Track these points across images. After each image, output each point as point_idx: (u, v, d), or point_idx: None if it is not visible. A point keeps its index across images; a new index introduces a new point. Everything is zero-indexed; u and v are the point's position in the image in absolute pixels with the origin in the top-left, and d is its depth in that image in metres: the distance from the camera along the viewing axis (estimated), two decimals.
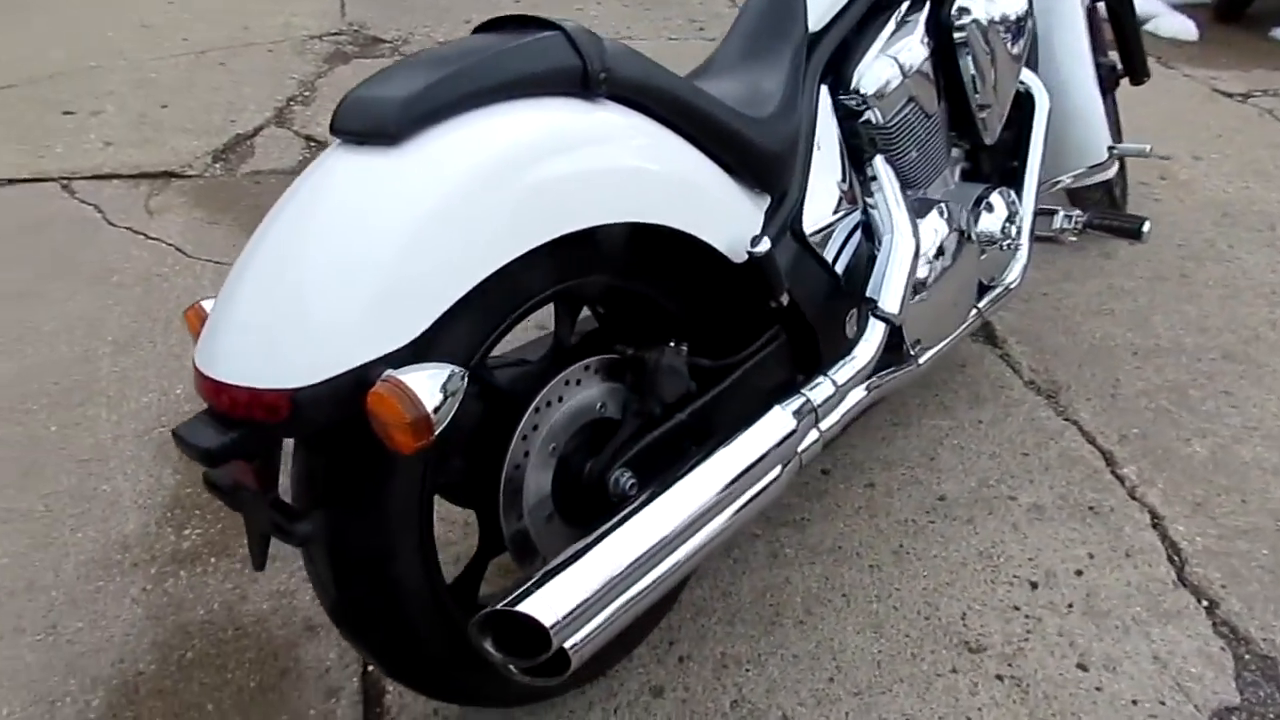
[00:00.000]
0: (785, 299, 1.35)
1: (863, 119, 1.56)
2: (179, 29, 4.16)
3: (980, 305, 1.81)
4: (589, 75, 1.12)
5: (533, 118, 1.08)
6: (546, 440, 1.22)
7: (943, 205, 1.60)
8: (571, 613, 1.05)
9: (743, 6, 1.56)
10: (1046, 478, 1.82)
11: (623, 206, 1.14)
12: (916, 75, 1.57)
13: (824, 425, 1.44)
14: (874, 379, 1.57)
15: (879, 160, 1.54)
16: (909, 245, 1.49)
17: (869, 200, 1.54)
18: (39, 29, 4.13)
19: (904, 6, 1.61)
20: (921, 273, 1.56)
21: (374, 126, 1.01)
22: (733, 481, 1.23)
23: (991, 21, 1.64)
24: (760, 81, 1.44)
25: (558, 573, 1.08)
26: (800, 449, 1.39)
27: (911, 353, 1.62)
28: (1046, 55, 2.04)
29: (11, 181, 2.87)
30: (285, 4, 4.49)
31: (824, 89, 1.52)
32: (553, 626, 1.03)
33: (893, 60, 1.55)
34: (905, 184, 1.66)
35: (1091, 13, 2.21)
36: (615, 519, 1.15)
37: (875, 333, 1.46)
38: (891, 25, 1.58)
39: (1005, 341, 2.20)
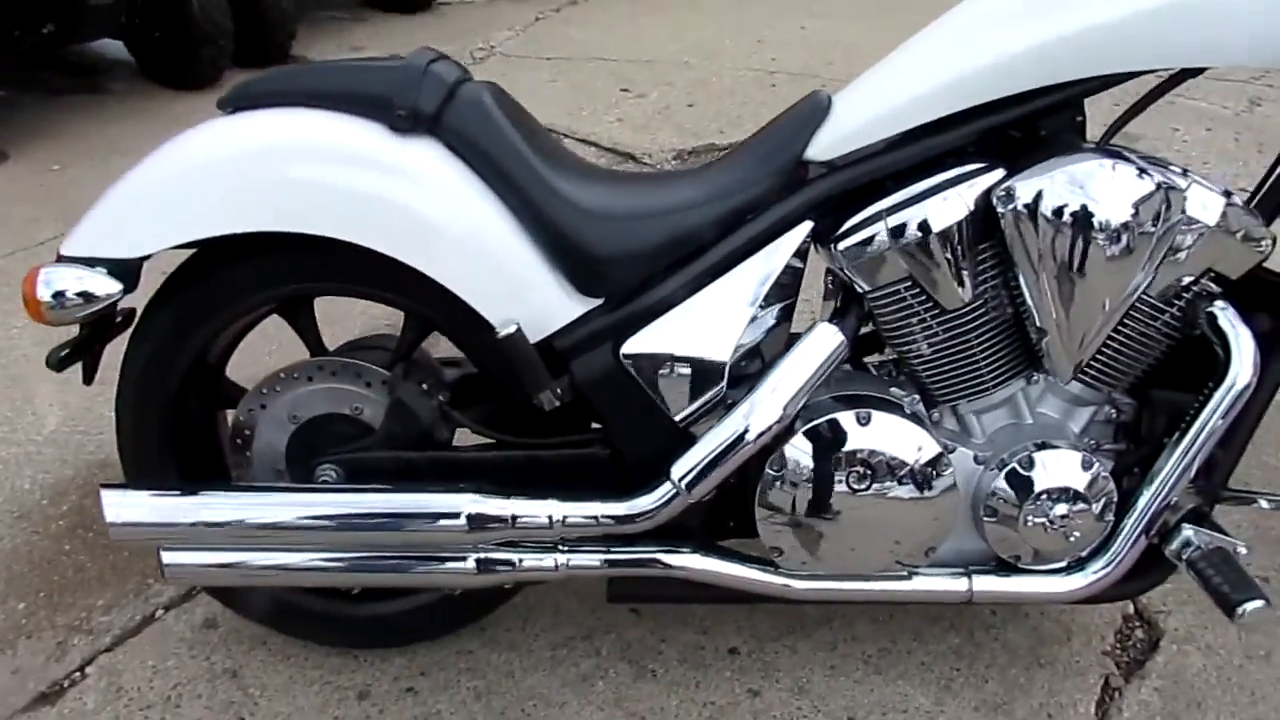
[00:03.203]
0: (549, 402, 1.25)
1: (844, 280, 1.29)
2: (780, 49, 4.60)
3: (977, 583, 1.34)
4: (392, 109, 1.21)
5: (306, 125, 1.23)
6: (288, 407, 1.36)
7: (863, 414, 1.23)
8: (142, 523, 1.24)
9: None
10: None
11: (359, 231, 1.21)
12: (919, 252, 1.22)
13: (574, 560, 1.31)
14: (729, 567, 1.33)
15: (821, 329, 1.26)
16: (753, 423, 1.21)
17: (759, 362, 1.28)
18: (680, 25, 4.93)
19: (967, 168, 1.24)
20: (797, 477, 1.25)
21: (223, 100, 1.28)
22: (367, 526, 1.25)
23: (1061, 217, 1.16)
24: (688, 187, 1.30)
25: (167, 492, 1.26)
26: (523, 563, 1.31)
27: (774, 559, 1.31)
28: None
29: None
30: None
31: (803, 227, 1.29)
32: (111, 522, 1.23)
33: (882, 224, 1.23)
34: (919, 388, 1.33)
35: None
36: (254, 488, 1.28)
37: (658, 493, 1.24)
38: (926, 185, 1.24)
39: (1145, 676, 1.53)
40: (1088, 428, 1.37)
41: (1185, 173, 1.24)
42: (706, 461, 1.23)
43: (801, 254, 1.30)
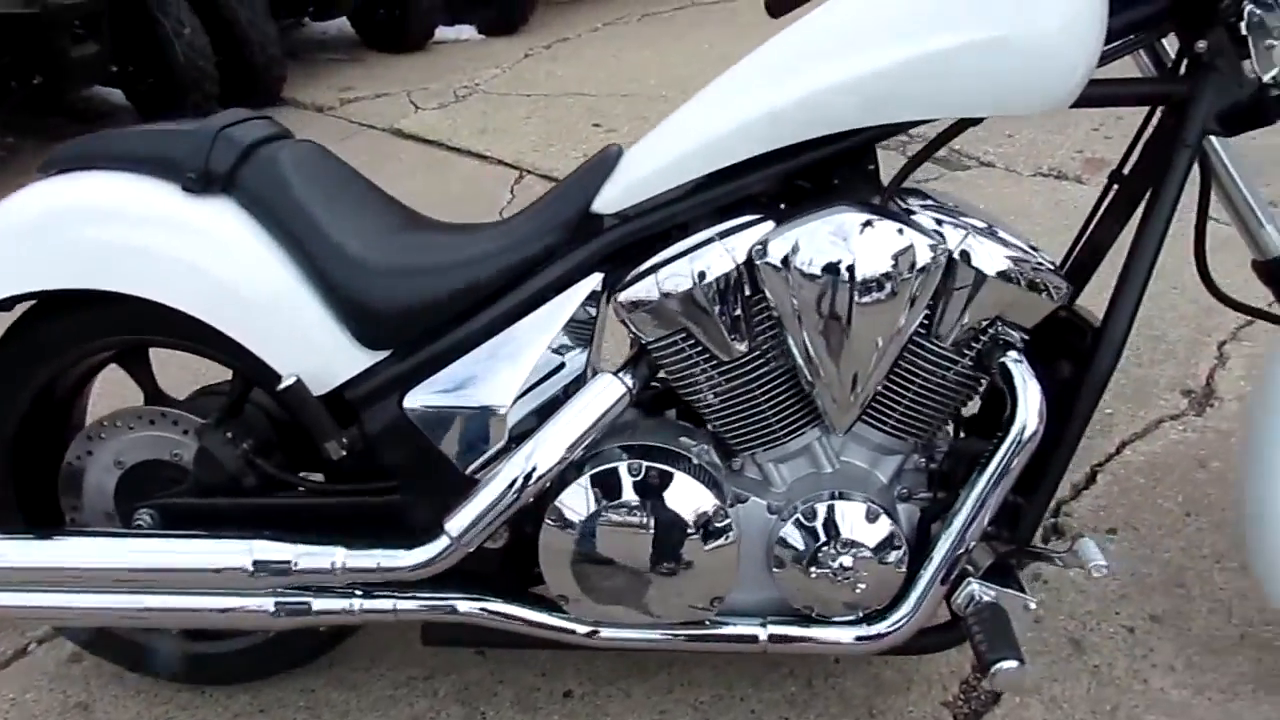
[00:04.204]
0: (335, 451, 1.29)
1: (631, 331, 1.31)
2: None
3: (772, 632, 1.34)
4: (179, 171, 1.28)
5: (103, 186, 1.31)
6: (113, 452, 1.42)
7: (635, 465, 1.24)
8: None
9: None
10: None
11: (149, 287, 1.27)
12: (690, 304, 1.23)
13: (369, 605, 1.34)
14: (524, 613, 1.36)
15: (601, 379, 1.28)
16: (525, 473, 1.24)
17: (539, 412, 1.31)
18: (666, 59, 4.96)
19: (741, 220, 1.25)
20: (569, 527, 1.27)
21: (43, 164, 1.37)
22: (161, 570, 1.31)
23: (810, 272, 1.16)
24: (479, 241, 1.34)
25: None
26: (320, 607, 1.34)
27: (563, 607, 1.33)
28: None
29: (483, 158, 3.72)
30: None
31: (593, 278, 1.32)
32: None
33: (653, 276, 1.25)
34: (715, 439, 1.34)
35: None
36: (62, 532, 1.35)
37: (435, 543, 1.27)
38: (700, 237, 1.25)
39: None
40: (899, 476, 1.37)
41: (978, 225, 1.24)
42: (480, 512, 1.26)
43: (595, 305, 1.33)
